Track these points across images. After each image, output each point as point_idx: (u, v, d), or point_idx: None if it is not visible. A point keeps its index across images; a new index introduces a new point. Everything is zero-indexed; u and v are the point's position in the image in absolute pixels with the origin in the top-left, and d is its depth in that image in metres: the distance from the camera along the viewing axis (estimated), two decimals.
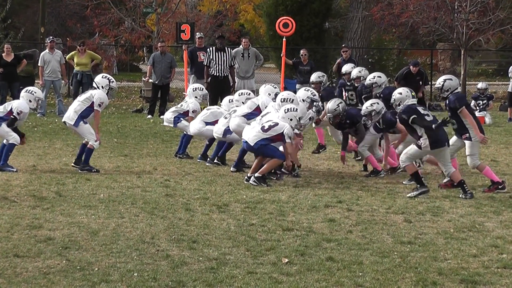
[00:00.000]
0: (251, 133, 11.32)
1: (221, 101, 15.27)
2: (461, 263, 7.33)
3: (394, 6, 27.15)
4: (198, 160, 13.29)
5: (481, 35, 27.29)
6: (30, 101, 12.42)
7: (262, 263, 7.27)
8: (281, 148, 11.42)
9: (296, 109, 11.55)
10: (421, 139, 10.54)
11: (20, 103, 12.35)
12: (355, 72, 13.88)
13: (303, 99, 12.27)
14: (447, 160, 10.67)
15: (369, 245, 7.94)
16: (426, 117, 10.68)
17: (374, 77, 12.88)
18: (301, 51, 20.33)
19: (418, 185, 10.49)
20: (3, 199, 9.99)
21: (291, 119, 11.36)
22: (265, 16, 29.74)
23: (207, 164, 12.98)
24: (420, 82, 19.25)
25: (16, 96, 12.57)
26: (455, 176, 10.62)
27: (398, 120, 11.20)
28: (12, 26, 29.02)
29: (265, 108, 12.11)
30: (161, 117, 20.21)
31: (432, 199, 10.26)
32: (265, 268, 7.11)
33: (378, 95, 12.54)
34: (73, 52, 21.78)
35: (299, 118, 11.49)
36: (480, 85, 21.25)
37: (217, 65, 19.00)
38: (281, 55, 20.74)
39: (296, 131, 11.63)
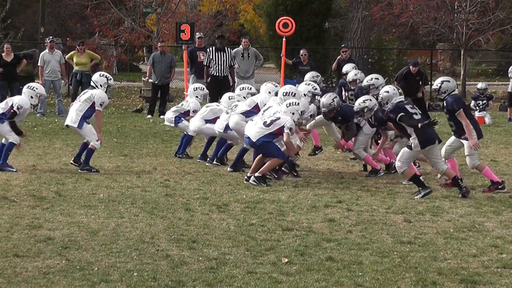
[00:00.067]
0: (254, 129, 11.29)
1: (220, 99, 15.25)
2: (460, 263, 7.33)
3: (394, 6, 27.17)
4: (198, 160, 13.29)
5: (481, 35, 27.31)
6: (31, 97, 12.39)
7: (262, 263, 7.27)
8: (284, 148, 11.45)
9: (298, 103, 11.53)
10: (410, 138, 10.56)
11: (21, 99, 12.31)
12: (351, 75, 13.85)
13: (304, 94, 12.23)
14: (438, 157, 10.67)
15: (369, 245, 7.94)
16: (414, 116, 10.69)
17: (371, 79, 12.86)
18: (301, 51, 20.34)
19: (420, 188, 10.48)
20: (2, 199, 9.98)
21: (293, 113, 11.33)
22: (265, 16, 29.75)
23: (206, 164, 12.98)
24: (420, 82, 19.25)
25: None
26: (449, 173, 10.63)
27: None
28: (12, 26, 29.03)
29: (264, 106, 12.06)
30: (161, 117, 20.24)
31: (432, 199, 10.26)
32: (265, 268, 7.11)
33: (375, 97, 12.55)
34: (72, 52, 21.79)
35: (301, 112, 11.46)
36: (480, 85, 21.24)
37: (217, 65, 19.01)
38: (281, 55, 20.74)
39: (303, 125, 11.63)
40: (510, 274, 7.01)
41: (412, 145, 10.52)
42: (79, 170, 12.10)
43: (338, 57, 20.41)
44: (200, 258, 7.41)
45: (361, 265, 7.24)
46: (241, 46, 20.23)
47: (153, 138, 16.35)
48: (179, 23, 21.40)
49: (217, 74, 18.95)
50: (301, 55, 20.12)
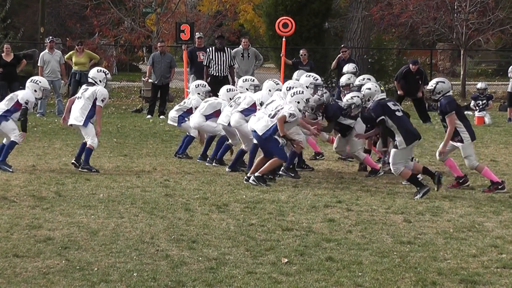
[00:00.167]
0: (261, 123, 11.22)
1: None
2: (460, 263, 7.33)
3: (394, 6, 27.17)
4: (197, 160, 13.29)
5: (480, 35, 27.32)
6: (35, 90, 12.36)
7: (262, 263, 7.27)
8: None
9: (303, 91, 11.47)
10: (395, 137, 10.57)
11: (26, 93, 12.26)
12: (344, 79, 13.81)
13: (306, 86, 12.17)
14: (402, 160, 10.69)
15: (369, 245, 7.94)
16: (397, 113, 10.69)
17: (363, 79, 12.86)
18: (301, 51, 20.35)
19: (418, 188, 10.48)
20: (2, 199, 9.98)
21: (298, 102, 11.25)
22: (264, 16, 29.73)
23: (206, 164, 12.98)
24: (420, 81, 19.27)
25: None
26: (406, 173, 10.62)
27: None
28: (12, 26, 28.99)
29: (261, 103, 12.00)
30: (161, 117, 20.26)
31: (431, 199, 10.26)
32: (265, 268, 7.11)
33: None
34: (71, 52, 21.80)
35: (306, 99, 11.42)
36: (480, 85, 21.24)
37: (216, 65, 19.01)
38: (281, 55, 20.76)
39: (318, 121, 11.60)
40: (510, 274, 7.01)
41: (397, 144, 10.54)
42: (79, 169, 12.10)
43: (338, 56, 20.42)
44: (200, 258, 7.41)
45: (361, 265, 7.24)
46: (241, 46, 20.23)
47: (152, 138, 16.35)
48: (179, 23, 21.42)
49: (217, 74, 18.95)
50: (301, 55, 20.13)
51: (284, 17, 21.53)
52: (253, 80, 13.24)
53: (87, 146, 12.17)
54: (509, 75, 20.84)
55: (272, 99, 11.67)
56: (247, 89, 12.86)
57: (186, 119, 13.50)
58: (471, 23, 26.70)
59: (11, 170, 11.96)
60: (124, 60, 37.04)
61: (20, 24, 31.73)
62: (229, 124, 12.36)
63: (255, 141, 11.85)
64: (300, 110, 11.26)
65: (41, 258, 7.35)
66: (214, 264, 7.21)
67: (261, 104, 11.91)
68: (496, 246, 7.95)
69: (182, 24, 20.84)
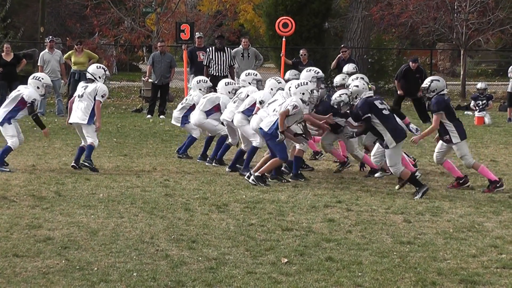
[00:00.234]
0: (267, 119, 11.16)
1: None
2: (460, 263, 7.33)
3: (394, 6, 27.18)
4: (197, 160, 13.28)
5: (480, 35, 27.33)
6: (38, 87, 12.31)
7: (262, 263, 7.27)
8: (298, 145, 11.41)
9: (307, 83, 11.42)
10: (383, 136, 10.56)
11: (31, 92, 12.20)
12: (339, 79, 13.77)
13: (309, 81, 12.07)
14: (398, 159, 10.69)
15: (369, 245, 7.94)
16: (383, 112, 10.68)
17: (357, 78, 12.84)
18: (301, 51, 20.34)
19: (417, 188, 10.49)
20: (2, 198, 9.98)
21: (303, 93, 11.18)
22: (264, 16, 29.74)
23: (206, 164, 12.98)
24: (420, 80, 19.23)
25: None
26: (406, 173, 10.64)
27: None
28: (12, 25, 29.00)
29: (260, 103, 11.97)
30: (161, 116, 20.27)
31: (431, 199, 10.26)
32: (265, 268, 7.11)
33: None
34: (70, 52, 21.79)
35: (311, 90, 11.33)
36: (480, 85, 21.24)
37: (216, 65, 19.01)
38: (281, 55, 20.75)
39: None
40: (510, 274, 7.02)
41: (387, 144, 10.55)
42: (81, 162, 12.09)
43: (338, 56, 20.42)
44: (200, 258, 7.41)
45: (361, 265, 7.24)
46: (241, 46, 20.23)
47: (152, 138, 16.35)
48: (179, 23, 21.41)
49: (217, 74, 18.93)
50: (301, 55, 20.12)
51: (284, 17, 21.52)
52: (256, 74, 13.15)
53: (89, 143, 12.17)
54: (509, 75, 20.84)
55: (274, 99, 11.63)
56: (249, 83, 12.83)
57: (189, 118, 13.42)
58: (471, 23, 26.70)
59: (8, 169, 11.95)
60: (124, 59, 37.04)
61: (20, 24, 31.75)
62: (232, 120, 12.36)
63: (254, 144, 11.87)
64: (305, 102, 11.20)
65: (41, 257, 7.35)
66: (214, 264, 7.21)
67: (261, 103, 11.86)
68: (496, 246, 7.95)
69: (182, 24, 20.83)
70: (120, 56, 34.66)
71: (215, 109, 12.95)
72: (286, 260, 7.35)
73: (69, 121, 12.51)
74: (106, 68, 12.64)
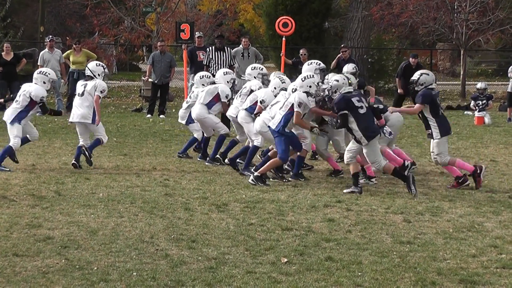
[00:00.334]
0: (276, 117, 11.13)
1: None
2: (460, 263, 7.33)
3: (394, 6, 27.19)
4: (198, 159, 13.28)
5: (480, 35, 27.33)
6: (44, 82, 12.27)
7: (261, 263, 7.27)
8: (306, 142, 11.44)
9: (313, 75, 11.35)
10: (355, 134, 10.54)
11: (37, 89, 12.13)
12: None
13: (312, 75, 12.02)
14: (377, 154, 10.68)
15: (368, 245, 7.94)
16: (360, 110, 10.62)
17: (347, 71, 12.95)
18: (301, 51, 20.32)
19: (405, 183, 10.49)
20: (2, 198, 9.98)
21: (310, 86, 11.11)
22: (264, 15, 29.75)
23: (206, 163, 12.98)
24: None
25: (16, 95, 12.52)
26: (388, 167, 10.63)
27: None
28: (12, 25, 28.99)
29: (261, 102, 11.95)
30: (161, 116, 20.27)
31: (431, 199, 10.26)
32: (264, 268, 7.11)
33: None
34: (69, 51, 21.79)
35: (317, 83, 11.25)
36: (480, 85, 21.24)
37: (216, 64, 18.98)
38: (281, 54, 20.73)
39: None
40: (510, 274, 7.02)
41: (359, 140, 10.54)
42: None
43: (338, 55, 20.42)
44: (200, 257, 7.41)
45: (361, 265, 7.24)
46: (241, 45, 20.21)
47: (152, 138, 16.35)
48: (179, 23, 21.39)
49: None
50: (301, 54, 20.11)
51: (284, 17, 21.49)
52: (262, 68, 13.13)
53: (97, 138, 12.34)
54: (509, 75, 20.84)
55: (277, 100, 11.62)
56: (255, 77, 12.82)
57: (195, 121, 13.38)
58: (471, 23, 26.71)
59: (8, 169, 11.95)
60: (124, 59, 37.05)
61: (20, 23, 31.76)
62: (237, 116, 12.38)
63: (255, 143, 11.89)
64: (311, 95, 11.11)
65: (40, 257, 7.35)
66: (214, 264, 7.21)
67: (262, 102, 11.87)
68: (496, 246, 7.95)
69: (182, 24, 20.81)
70: (120, 56, 34.67)
71: (215, 100, 12.90)
72: (286, 259, 7.35)
73: (71, 120, 12.55)
74: (105, 66, 12.68)
